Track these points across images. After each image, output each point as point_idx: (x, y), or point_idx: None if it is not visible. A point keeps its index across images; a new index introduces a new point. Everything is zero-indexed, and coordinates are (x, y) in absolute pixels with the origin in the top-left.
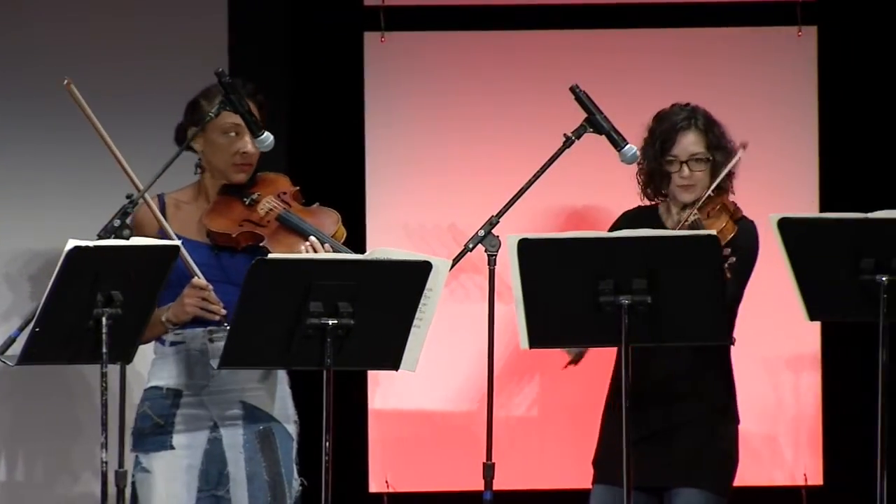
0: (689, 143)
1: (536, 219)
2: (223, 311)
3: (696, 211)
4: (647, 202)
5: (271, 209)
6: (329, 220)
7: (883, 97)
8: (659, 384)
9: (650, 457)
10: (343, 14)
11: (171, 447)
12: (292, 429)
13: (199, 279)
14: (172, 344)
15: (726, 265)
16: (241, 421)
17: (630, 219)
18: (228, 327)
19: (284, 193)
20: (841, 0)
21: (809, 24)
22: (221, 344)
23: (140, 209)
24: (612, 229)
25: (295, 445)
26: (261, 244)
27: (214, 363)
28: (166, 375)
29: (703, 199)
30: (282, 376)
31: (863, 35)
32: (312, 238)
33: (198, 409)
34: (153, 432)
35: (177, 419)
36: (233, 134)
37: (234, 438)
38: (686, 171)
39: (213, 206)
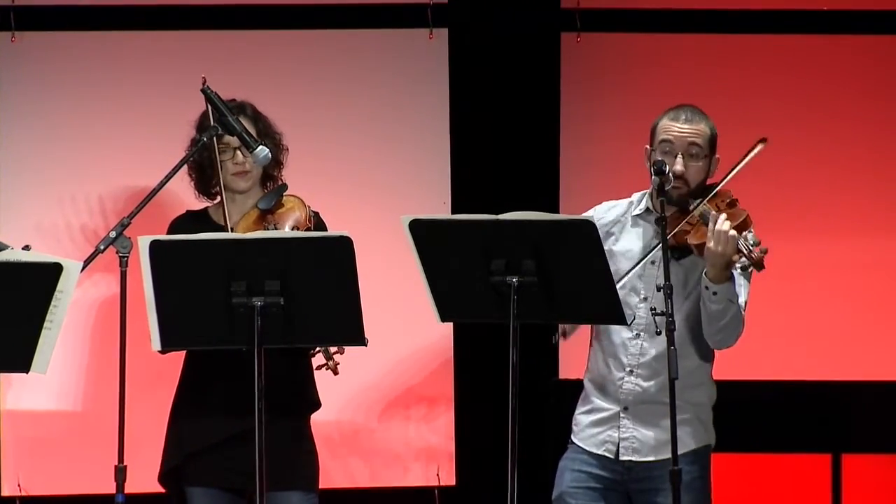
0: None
1: (170, 220)
2: None
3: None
4: (205, 204)
5: None
6: None
7: (510, 99)
8: (248, 385)
9: (239, 458)
10: None
11: None
12: None
13: None
14: None
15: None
16: None
17: (181, 224)
18: None
19: None
20: (470, 2)
21: (440, 27)
22: None
23: None
24: (168, 233)
25: None
26: None
27: None
28: None
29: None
30: None
31: (492, 37)
32: None
33: None
34: None
35: None
36: None
37: None
38: (239, 156)
39: None
